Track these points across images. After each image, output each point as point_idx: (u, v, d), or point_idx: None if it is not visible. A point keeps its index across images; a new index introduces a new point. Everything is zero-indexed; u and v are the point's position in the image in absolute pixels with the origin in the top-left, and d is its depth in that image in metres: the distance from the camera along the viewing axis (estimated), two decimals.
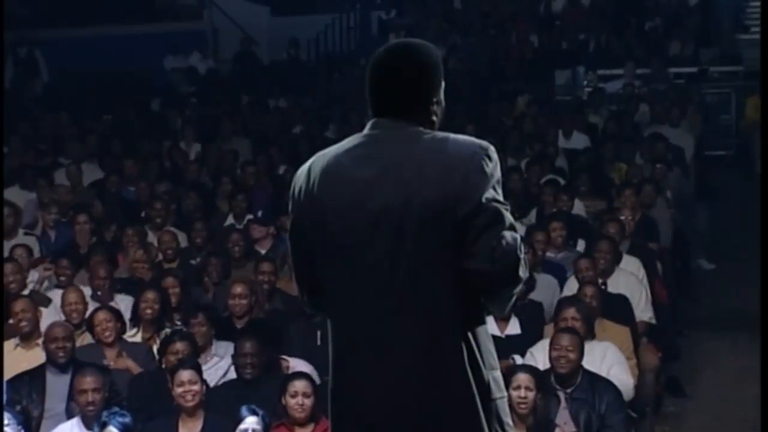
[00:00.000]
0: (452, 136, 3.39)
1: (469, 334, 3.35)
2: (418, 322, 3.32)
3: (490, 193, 3.29)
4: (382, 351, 3.34)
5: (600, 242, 9.29)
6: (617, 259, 9.21)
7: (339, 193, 3.38)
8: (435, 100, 3.44)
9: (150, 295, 8.43)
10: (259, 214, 10.83)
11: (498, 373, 3.41)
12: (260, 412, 6.76)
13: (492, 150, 3.35)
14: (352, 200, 3.35)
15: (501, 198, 3.32)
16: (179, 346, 7.47)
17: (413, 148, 3.35)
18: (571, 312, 7.73)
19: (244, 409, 6.76)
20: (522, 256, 3.31)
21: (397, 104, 3.42)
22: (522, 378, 6.82)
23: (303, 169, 3.52)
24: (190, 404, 6.95)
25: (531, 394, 6.78)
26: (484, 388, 3.35)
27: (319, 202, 3.41)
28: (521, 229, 10.04)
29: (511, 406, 6.68)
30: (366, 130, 3.46)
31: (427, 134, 3.39)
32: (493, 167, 3.33)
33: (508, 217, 3.32)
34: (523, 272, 3.32)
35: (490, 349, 3.41)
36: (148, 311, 8.33)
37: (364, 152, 3.41)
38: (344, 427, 3.45)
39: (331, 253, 3.39)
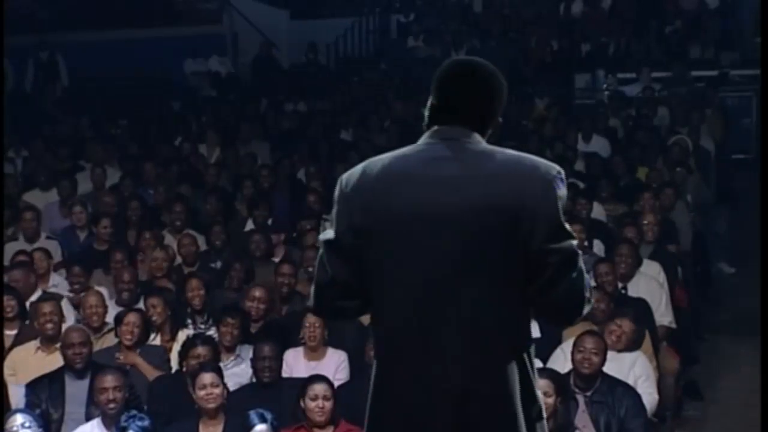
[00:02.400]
0: (524, 154, 3.38)
1: (524, 353, 3.35)
2: (471, 334, 3.28)
3: (563, 218, 3.29)
4: (428, 359, 3.30)
5: (620, 246, 9.27)
6: (638, 263, 9.19)
7: (403, 193, 3.32)
8: (499, 118, 3.47)
9: (153, 300, 8.47)
10: (269, 221, 10.87)
11: (541, 393, 3.42)
12: (269, 418, 6.77)
13: (563, 174, 3.35)
14: (416, 201, 3.30)
15: (566, 225, 3.31)
16: (201, 350, 7.49)
17: (487, 158, 3.33)
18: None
19: (253, 416, 6.77)
20: (587, 295, 3.32)
21: (469, 115, 3.41)
22: (541, 383, 6.78)
23: (355, 171, 3.46)
24: (212, 406, 6.97)
25: (551, 400, 6.75)
26: (536, 409, 3.35)
27: (378, 202, 3.35)
28: None
29: None
30: (430, 137, 3.44)
31: (498, 148, 3.38)
32: (565, 191, 3.33)
33: (580, 255, 3.31)
34: (587, 309, 3.36)
35: (536, 368, 3.41)
36: (154, 317, 8.37)
37: (432, 155, 3.37)
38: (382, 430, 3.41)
39: (387, 254, 3.32)
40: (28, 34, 17.68)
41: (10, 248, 10.37)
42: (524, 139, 13.26)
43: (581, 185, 11.55)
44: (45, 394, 7.50)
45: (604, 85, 16.66)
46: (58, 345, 7.93)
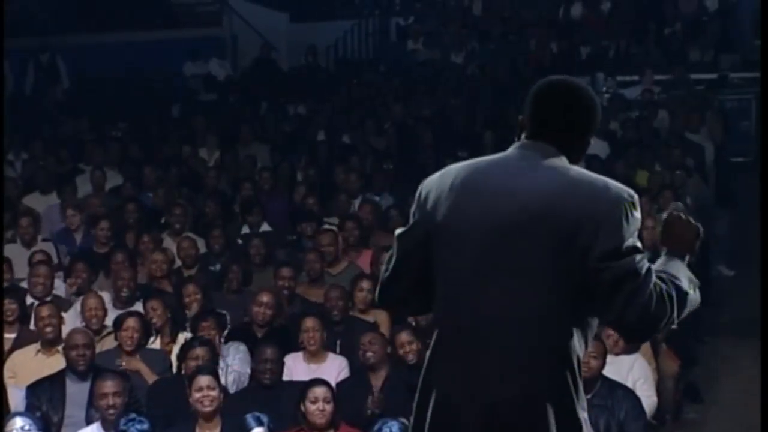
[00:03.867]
0: (602, 177, 3.39)
1: (567, 369, 3.32)
2: (508, 342, 3.30)
3: (630, 242, 3.28)
4: (465, 363, 3.33)
5: None
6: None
7: (467, 197, 3.38)
8: (588, 141, 3.49)
9: (152, 303, 8.47)
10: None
11: (587, 415, 3.38)
12: (265, 420, 6.77)
13: (637, 200, 3.34)
14: (477, 206, 3.36)
15: (639, 246, 3.29)
16: (199, 351, 7.50)
17: (560, 174, 3.35)
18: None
19: (250, 419, 6.77)
20: (658, 309, 3.27)
21: (555, 133, 3.44)
22: None
23: (435, 175, 3.52)
24: (208, 410, 6.96)
25: None
26: (575, 427, 3.32)
27: (444, 204, 3.41)
28: None
29: None
30: (513, 149, 3.48)
31: (576, 168, 3.40)
32: (637, 216, 3.32)
33: (643, 272, 3.27)
34: (668, 317, 3.30)
35: (581, 388, 3.37)
36: (154, 319, 8.37)
37: (506, 166, 3.42)
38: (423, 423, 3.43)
39: (444, 255, 3.39)
40: (28, 37, 17.68)
41: (8, 251, 10.37)
42: None
43: None
44: (45, 396, 7.51)
45: (604, 88, 16.65)
46: (58, 347, 7.94)
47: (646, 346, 8.16)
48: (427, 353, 3.48)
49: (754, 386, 9.27)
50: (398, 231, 3.55)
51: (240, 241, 10.75)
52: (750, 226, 13.17)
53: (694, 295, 3.39)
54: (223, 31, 19.94)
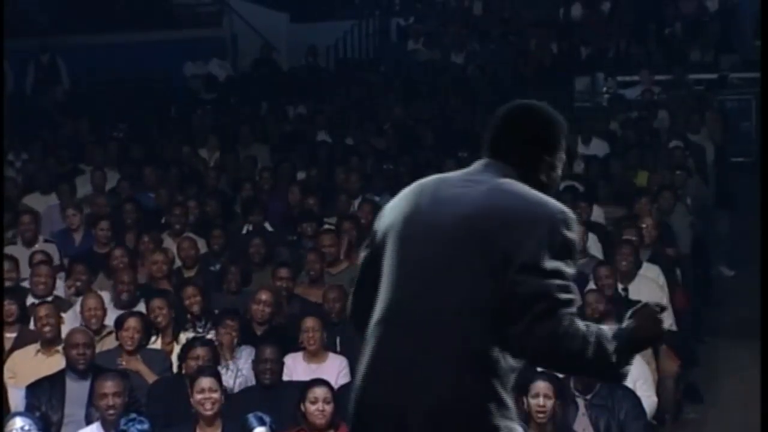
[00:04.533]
0: (543, 195, 3.38)
1: (490, 380, 3.27)
2: (437, 351, 3.28)
3: (554, 264, 3.22)
4: (391, 370, 3.34)
5: (620, 248, 9.27)
6: (637, 265, 9.18)
7: (412, 204, 3.45)
8: (547, 161, 3.50)
9: (157, 302, 8.46)
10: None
11: (516, 426, 3.32)
12: (267, 420, 6.76)
13: (572, 221, 3.31)
14: (419, 210, 3.42)
15: (567, 272, 3.23)
16: (200, 351, 7.50)
17: (503, 189, 3.37)
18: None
19: (252, 419, 6.76)
20: (579, 343, 3.19)
21: (509, 154, 3.49)
22: (540, 386, 6.79)
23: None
24: (209, 412, 6.94)
25: (549, 402, 6.75)
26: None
27: (394, 211, 3.49)
28: None
29: (529, 414, 6.70)
30: (471, 167, 3.55)
31: (524, 187, 3.40)
32: (568, 238, 3.27)
33: (564, 296, 3.22)
34: (575, 356, 3.22)
35: (508, 399, 3.32)
36: (159, 318, 8.37)
37: (456, 180, 3.48)
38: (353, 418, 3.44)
39: (389, 257, 3.42)
40: (28, 37, 17.67)
41: (9, 251, 10.36)
42: None
43: (581, 188, 11.55)
44: (45, 396, 7.50)
45: (604, 88, 16.66)
46: (58, 347, 7.93)
47: None
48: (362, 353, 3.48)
49: (754, 386, 9.26)
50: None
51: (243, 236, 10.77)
52: (750, 227, 13.17)
53: (610, 363, 3.24)
54: (224, 32, 19.93)
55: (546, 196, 3.37)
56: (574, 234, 3.29)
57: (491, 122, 3.61)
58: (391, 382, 3.31)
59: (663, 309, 3.43)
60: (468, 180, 3.44)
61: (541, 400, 6.75)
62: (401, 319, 3.34)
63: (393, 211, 3.49)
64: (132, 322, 8.01)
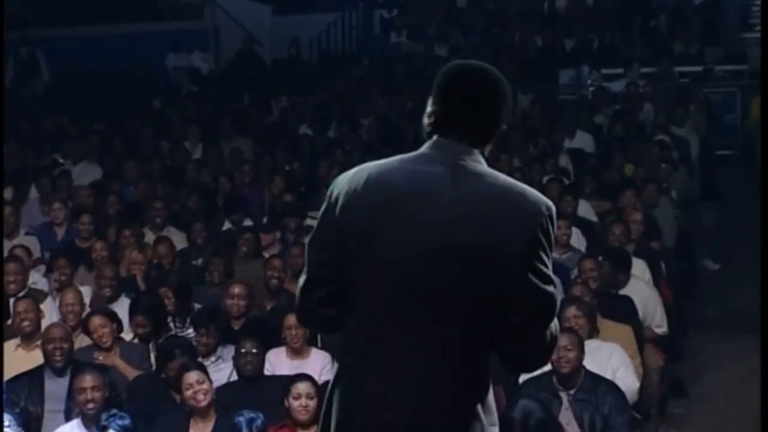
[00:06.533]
0: (520, 184, 3.21)
1: (479, 397, 3.19)
2: (428, 372, 3.14)
3: (544, 262, 3.12)
4: (380, 389, 3.15)
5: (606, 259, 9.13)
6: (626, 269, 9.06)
7: (386, 205, 3.16)
8: (502, 124, 3.30)
9: (167, 291, 8.49)
10: (265, 220, 10.80)
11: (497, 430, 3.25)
12: (256, 425, 6.71)
13: (554, 212, 3.17)
14: (398, 216, 3.15)
15: (550, 270, 3.13)
16: (178, 359, 7.41)
17: (479, 183, 3.17)
18: (571, 311, 7.69)
19: (241, 422, 6.71)
20: (557, 334, 3.22)
21: (471, 127, 3.25)
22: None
23: (345, 176, 3.28)
24: (203, 404, 6.92)
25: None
26: None
27: (368, 214, 3.17)
28: None
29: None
30: (428, 149, 3.27)
31: (493, 173, 3.21)
32: (553, 232, 3.16)
33: (558, 302, 3.18)
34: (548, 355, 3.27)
35: (493, 411, 3.24)
36: (170, 307, 8.40)
37: (424, 171, 3.21)
38: None
39: (367, 266, 3.17)
40: (8, 30, 17.54)
41: None
42: (507, 134, 13.21)
43: (566, 182, 11.50)
44: (24, 392, 7.44)
45: (589, 81, 16.62)
46: (38, 342, 7.86)
47: (630, 339, 8.11)
48: (337, 367, 3.29)
49: (738, 380, 9.26)
50: (309, 238, 3.32)
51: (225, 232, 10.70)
52: (735, 220, 13.17)
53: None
54: (206, 24, 19.86)
55: (526, 187, 3.20)
56: (555, 227, 3.19)
57: (441, 91, 3.27)
58: (381, 407, 3.15)
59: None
60: (432, 173, 3.18)
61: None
62: (394, 349, 3.15)
63: (357, 212, 3.17)
64: (96, 321, 7.94)
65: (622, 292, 8.82)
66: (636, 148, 12.91)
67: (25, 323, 8.08)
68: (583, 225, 10.41)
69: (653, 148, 12.65)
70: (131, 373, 7.79)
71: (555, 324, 3.21)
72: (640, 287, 8.91)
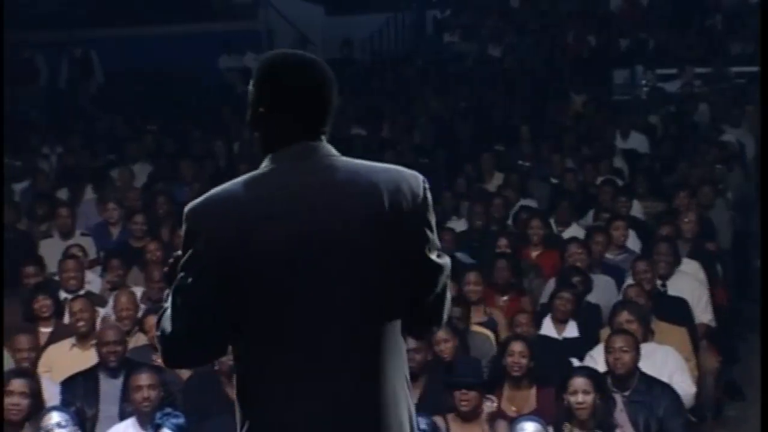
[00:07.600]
0: (380, 164, 3.24)
1: (406, 383, 3.13)
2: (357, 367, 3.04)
3: (433, 231, 3.07)
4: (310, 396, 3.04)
5: (659, 245, 9.17)
6: (677, 261, 9.08)
7: (274, 230, 3.01)
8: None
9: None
10: None
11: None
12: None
13: (427, 183, 3.12)
14: (292, 233, 3.01)
15: (436, 237, 3.08)
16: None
17: (351, 172, 3.16)
18: (624, 315, 7.66)
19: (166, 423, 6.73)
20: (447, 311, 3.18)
21: (315, 121, 3.20)
22: (579, 382, 6.72)
23: (206, 210, 3.08)
24: None
25: (588, 398, 6.67)
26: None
27: (247, 237, 3.00)
28: (579, 231, 9.93)
29: (570, 411, 6.61)
30: (279, 161, 3.16)
31: (351, 160, 3.21)
32: (430, 200, 3.12)
33: (449, 265, 3.12)
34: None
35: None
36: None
37: (294, 182, 3.09)
38: None
39: (257, 289, 2.99)
40: (61, 30, 17.70)
41: (45, 245, 10.39)
42: (561, 135, 13.15)
43: (620, 183, 11.43)
44: (79, 391, 7.49)
45: (643, 81, 16.51)
46: (93, 342, 7.91)
47: (686, 342, 8.06)
48: (245, 385, 3.17)
49: None
50: (180, 281, 3.02)
51: None
52: None
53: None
54: (259, 25, 19.90)
55: (391, 165, 3.19)
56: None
57: (274, 91, 3.24)
58: (316, 410, 3.03)
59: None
60: (306, 184, 3.08)
61: (579, 397, 6.68)
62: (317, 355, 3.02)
63: (242, 243, 2.98)
64: (153, 320, 7.96)
65: (669, 283, 8.81)
66: (691, 148, 12.81)
67: (81, 323, 8.13)
68: (638, 226, 10.34)
69: (709, 149, 12.55)
70: (185, 372, 7.82)
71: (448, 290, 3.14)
72: (685, 279, 8.90)
